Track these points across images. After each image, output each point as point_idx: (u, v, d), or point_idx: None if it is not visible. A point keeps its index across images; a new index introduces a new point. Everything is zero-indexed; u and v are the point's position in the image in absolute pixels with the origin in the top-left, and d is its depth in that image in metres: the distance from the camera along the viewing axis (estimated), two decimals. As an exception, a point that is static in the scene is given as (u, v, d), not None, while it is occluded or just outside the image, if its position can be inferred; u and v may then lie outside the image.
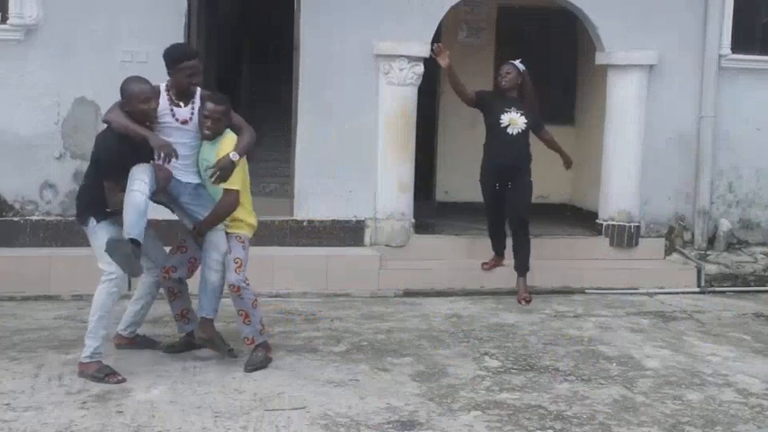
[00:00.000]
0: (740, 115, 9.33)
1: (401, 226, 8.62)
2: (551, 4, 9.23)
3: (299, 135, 8.49)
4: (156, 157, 5.50)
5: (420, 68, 8.53)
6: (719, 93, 9.18)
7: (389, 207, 8.59)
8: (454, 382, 5.64)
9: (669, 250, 9.25)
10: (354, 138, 8.53)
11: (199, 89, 5.82)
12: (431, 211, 9.85)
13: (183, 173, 5.74)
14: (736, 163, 9.43)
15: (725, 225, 9.38)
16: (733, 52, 9.19)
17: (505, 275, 8.22)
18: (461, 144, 10.14)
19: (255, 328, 5.89)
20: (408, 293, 8.15)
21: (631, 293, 8.49)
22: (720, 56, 9.14)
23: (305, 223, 8.51)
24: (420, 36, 8.50)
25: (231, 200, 5.75)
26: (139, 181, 5.41)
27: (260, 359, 5.83)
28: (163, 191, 5.61)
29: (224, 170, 5.61)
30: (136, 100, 5.48)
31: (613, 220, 9.07)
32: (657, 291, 8.60)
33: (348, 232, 8.60)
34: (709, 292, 8.69)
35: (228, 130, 5.83)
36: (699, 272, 8.85)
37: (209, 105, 5.71)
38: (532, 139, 8.02)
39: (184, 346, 6.09)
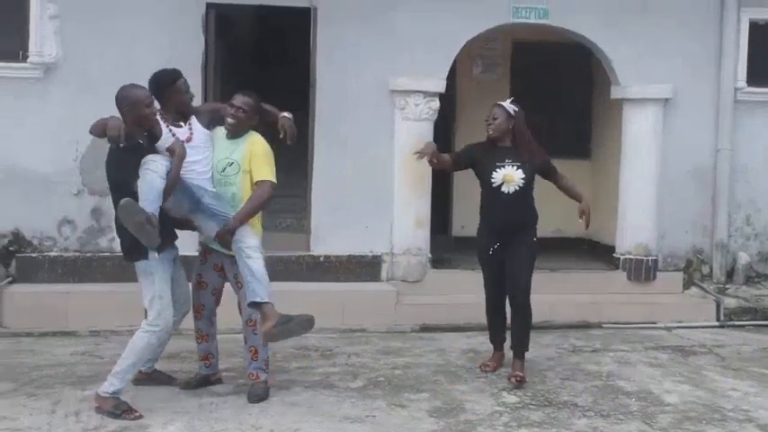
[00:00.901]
0: (757, 148, 9.33)
1: (418, 261, 8.62)
2: (566, 39, 9.28)
3: (316, 170, 8.53)
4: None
5: (436, 104, 8.57)
6: (736, 126, 9.19)
7: (406, 242, 8.60)
8: (472, 418, 5.60)
9: (687, 284, 9.20)
10: (370, 173, 8.56)
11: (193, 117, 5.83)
12: (447, 245, 9.84)
13: (206, 181, 5.70)
14: (753, 196, 9.40)
15: (743, 258, 9.33)
16: (748, 85, 9.20)
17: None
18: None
19: (261, 365, 5.89)
20: (425, 328, 8.12)
21: (650, 328, 8.43)
22: (736, 89, 9.16)
23: (321, 258, 8.52)
24: (435, 72, 8.56)
25: (264, 193, 5.72)
26: (154, 162, 5.31)
27: (262, 389, 5.84)
28: (179, 169, 5.46)
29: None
30: (141, 104, 5.41)
31: (630, 253, 9.04)
32: (676, 325, 8.54)
33: (365, 267, 8.60)
34: (729, 326, 8.63)
35: (253, 131, 5.86)
36: (718, 305, 8.80)
37: (239, 97, 5.80)
38: None
39: (201, 383, 6.08)
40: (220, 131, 5.95)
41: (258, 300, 5.55)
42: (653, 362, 7.17)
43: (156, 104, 5.57)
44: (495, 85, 10.57)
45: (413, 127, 8.53)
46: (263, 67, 12.54)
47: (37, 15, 8.09)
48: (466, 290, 8.63)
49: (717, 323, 8.68)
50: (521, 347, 6.49)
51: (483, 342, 7.65)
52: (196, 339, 6.07)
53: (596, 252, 10.08)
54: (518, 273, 6.42)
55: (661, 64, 8.99)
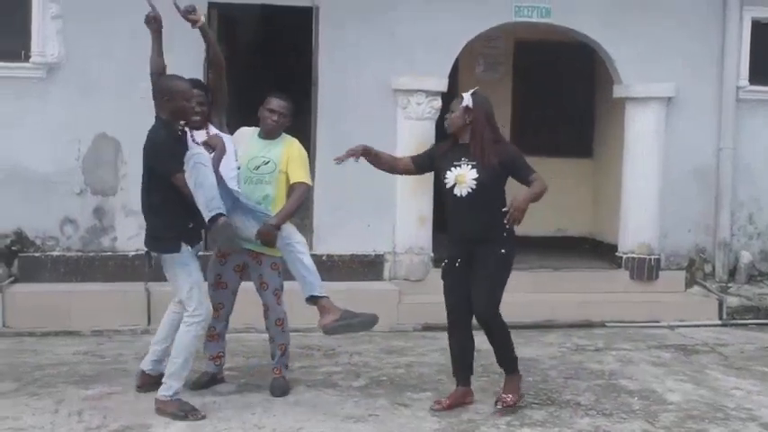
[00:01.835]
0: (759, 147, 9.33)
1: (420, 260, 8.62)
2: (569, 38, 9.28)
3: (318, 169, 8.52)
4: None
5: (438, 103, 8.57)
6: (738, 124, 9.18)
7: (408, 241, 8.60)
8: (474, 417, 5.60)
9: (690, 283, 9.20)
10: (373, 172, 8.51)
11: (211, 126, 5.86)
12: (450, 244, 9.82)
13: (231, 180, 5.70)
14: (756, 195, 9.40)
15: (746, 257, 9.33)
16: (751, 84, 9.19)
17: (528, 306, 8.15)
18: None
19: (285, 362, 6.06)
20: (427, 328, 8.11)
21: (652, 327, 8.43)
22: (738, 87, 9.16)
23: (324, 257, 8.51)
24: (437, 71, 8.56)
25: (303, 194, 5.87)
26: (201, 155, 5.35)
27: (286, 383, 5.97)
28: (220, 161, 5.51)
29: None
30: (181, 96, 5.42)
31: (633, 252, 9.04)
32: (678, 324, 8.54)
33: (367, 266, 8.61)
34: (731, 325, 8.63)
35: (287, 134, 5.99)
36: (720, 304, 8.80)
37: (275, 101, 5.92)
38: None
39: (210, 382, 6.09)
40: (248, 131, 6.07)
41: (317, 294, 5.71)
42: (656, 361, 7.17)
43: (194, 101, 5.58)
44: (497, 84, 10.57)
45: (415, 126, 8.53)
46: (266, 66, 12.54)
47: (39, 15, 8.09)
48: (468, 289, 8.65)
49: (719, 322, 8.68)
50: (502, 365, 5.88)
51: (485, 341, 7.63)
52: (207, 338, 6.05)
53: (599, 251, 10.08)
54: (479, 286, 5.64)
55: (663, 62, 8.99)
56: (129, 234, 8.05)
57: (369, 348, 7.35)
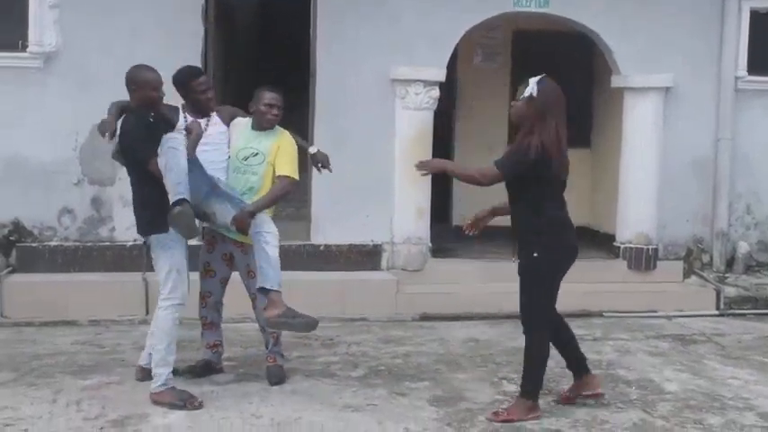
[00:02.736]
0: (758, 137, 9.32)
1: (418, 250, 8.62)
2: (567, 28, 9.26)
3: (316, 159, 8.51)
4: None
5: (436, 93, 8.55)
6: (736, 115, 9.17)
7: (406, 231, 8.59)
8: (472, 407, 5.61)
9: (687, 273, 9.20)
10: (371, 162, 8.55)
11: (215, 113, 5.93)
12: (448, 234, 9.83)
13: (217, 171, 5.76)
14: (754, 185, 9.40)
15: (743, 247, 9.34)
16: (749, 74, 9.18)
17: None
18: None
19: (280, 350, 6.08)
20: (426, 317, 8.12)
21: (650, 317, 8.43)
22: (737, 78, 9.14)
23: (322, 247, 8.52)
24: (436, 61, 8.53)
25: (286, 187, 5.86)
26: (174, 139, 5.38)
27: (281, 371, 5.99)
28: (195, 146, 5.54)
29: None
30: (149, 87, 5.47)
31: (631, 242, 9.04)
32: (676, 314, 8.54)
33: (365, 256, 8.61)
34: (729, 315, 8.63)
35: (280, 127, 5.98)
36: (718, 294, 8.80)
37: (270, 95, 5.89)
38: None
39: (205, 369, 6.09)
40: (243, 121, 6.05)
41: (268, 286, 5.62)
42: (653, 350, 7.17)
43: (163, 90, 5.59)
44: (495, 73, 10.56)
45: (413, 116, 8.52)
46: (264, 56, 12.53)
47: (36, 5, 8.06)
48: (466, 279, 8.67)
49: (717, 312, 8.68)
50: (522, 385, 5.43)
51: (483, 331, 7.67)
52: (202, 327, 6.10)
53: (596, 241, 10.07)
54: (520, 296, 5.39)
55: (662, 53, 8.97)
56: (127, 224, 7.98)
57: (367, 338, 7.36)
